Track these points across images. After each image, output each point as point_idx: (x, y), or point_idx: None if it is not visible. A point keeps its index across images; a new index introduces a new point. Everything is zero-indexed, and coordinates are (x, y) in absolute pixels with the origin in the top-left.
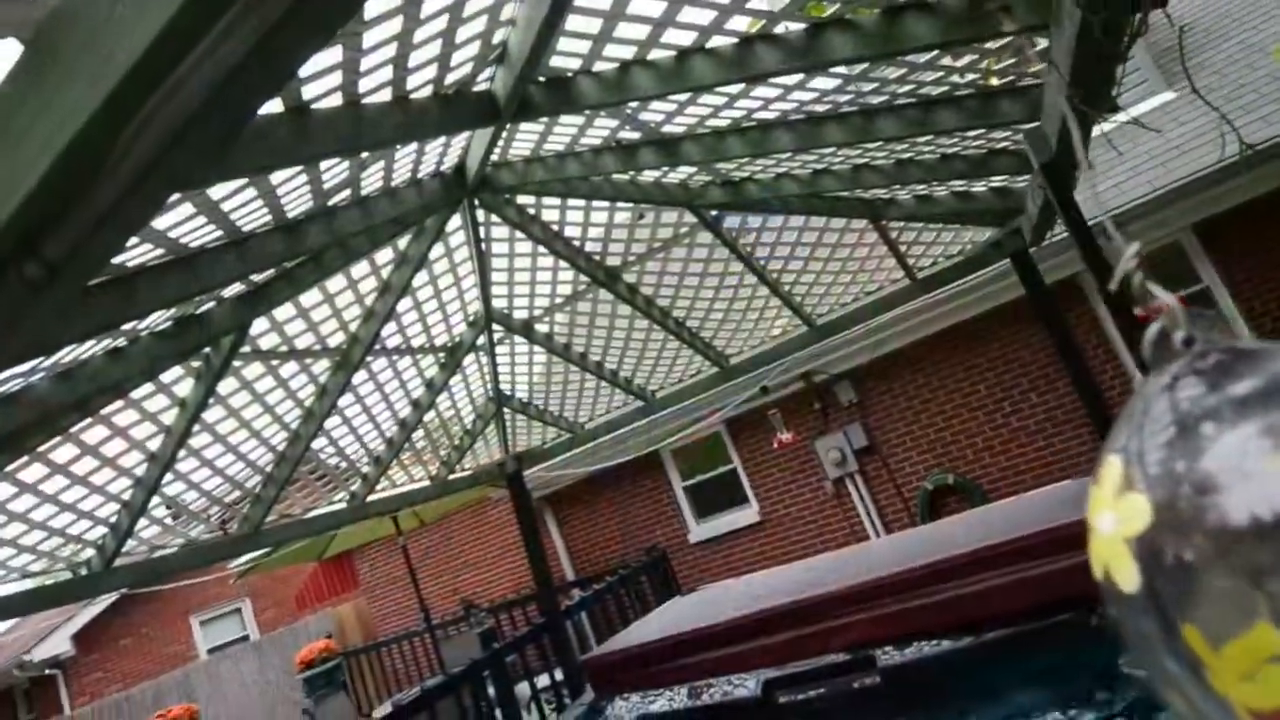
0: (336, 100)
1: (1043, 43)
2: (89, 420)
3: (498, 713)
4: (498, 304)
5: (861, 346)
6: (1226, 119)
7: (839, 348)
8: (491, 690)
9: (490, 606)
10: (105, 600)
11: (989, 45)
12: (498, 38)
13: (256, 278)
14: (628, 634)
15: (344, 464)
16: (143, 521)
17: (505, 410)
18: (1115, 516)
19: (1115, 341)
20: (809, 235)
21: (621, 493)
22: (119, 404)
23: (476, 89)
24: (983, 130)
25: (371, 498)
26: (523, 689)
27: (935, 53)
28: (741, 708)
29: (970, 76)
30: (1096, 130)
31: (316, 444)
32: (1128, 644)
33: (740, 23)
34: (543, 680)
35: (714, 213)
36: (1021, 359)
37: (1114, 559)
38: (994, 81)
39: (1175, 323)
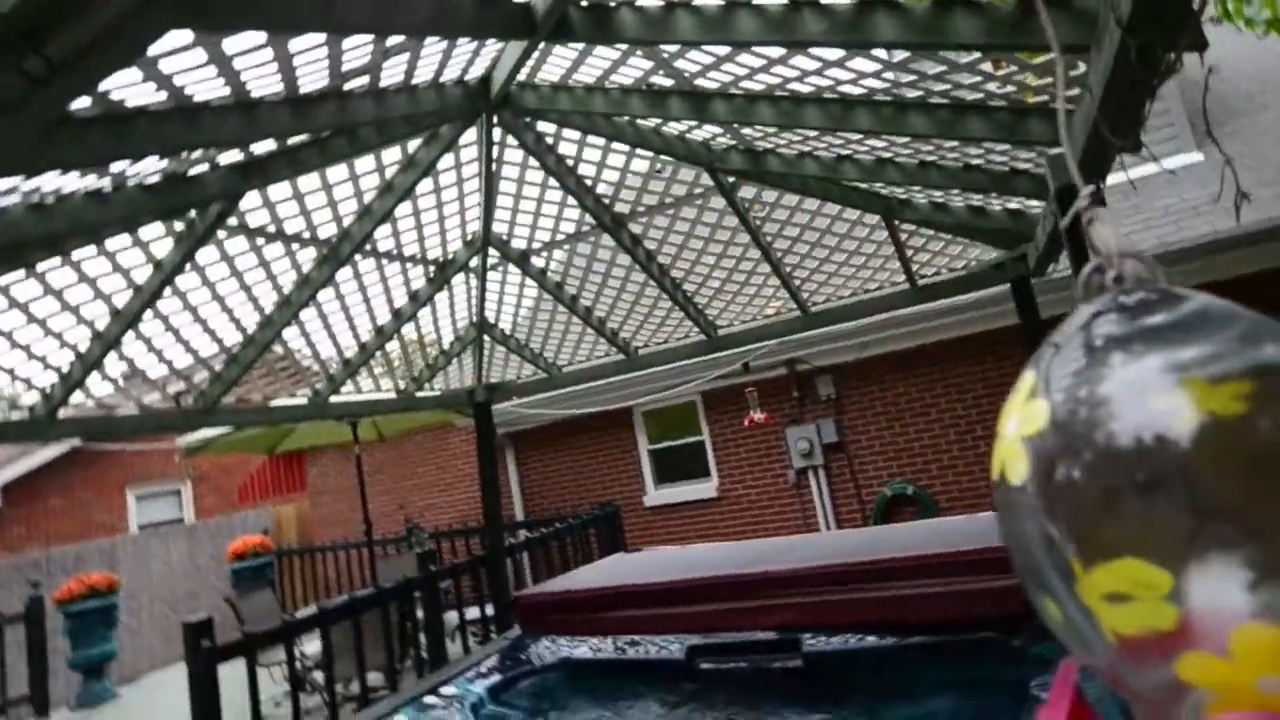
0: None
1: (1081, 67)
2: (58, 261)
3: (422, 636)
4: (497, 229)
5: (849, 344)
6: (1231, 165)
7: (826, 341)
8: (420, 613)
9: (434, 532)
10: (42, 457)
11: (1032, 60)
12: None
13: (257, 149)
14: (563, 579)
15: (312, 362)
16: (94, 377)
17: (485, 338)
18: (1018, 419)
19: None
20: (820, 221)
21: (585, 444)
22: (92, 250)
23: None
24: (1009, 146)
25: (335, 399)
26: (451, 618)
27: (976, 55)
28: (663, 667)
29: (1007, 89)
30: (1120, 176)
31: (287, 334)
32: (1008, 541)
33: None
34: (473, 613)
35: (731, 179)
36: (1004, 386)
37: (1010, 457)
38: (1029, 99)
39: (1110, 263)
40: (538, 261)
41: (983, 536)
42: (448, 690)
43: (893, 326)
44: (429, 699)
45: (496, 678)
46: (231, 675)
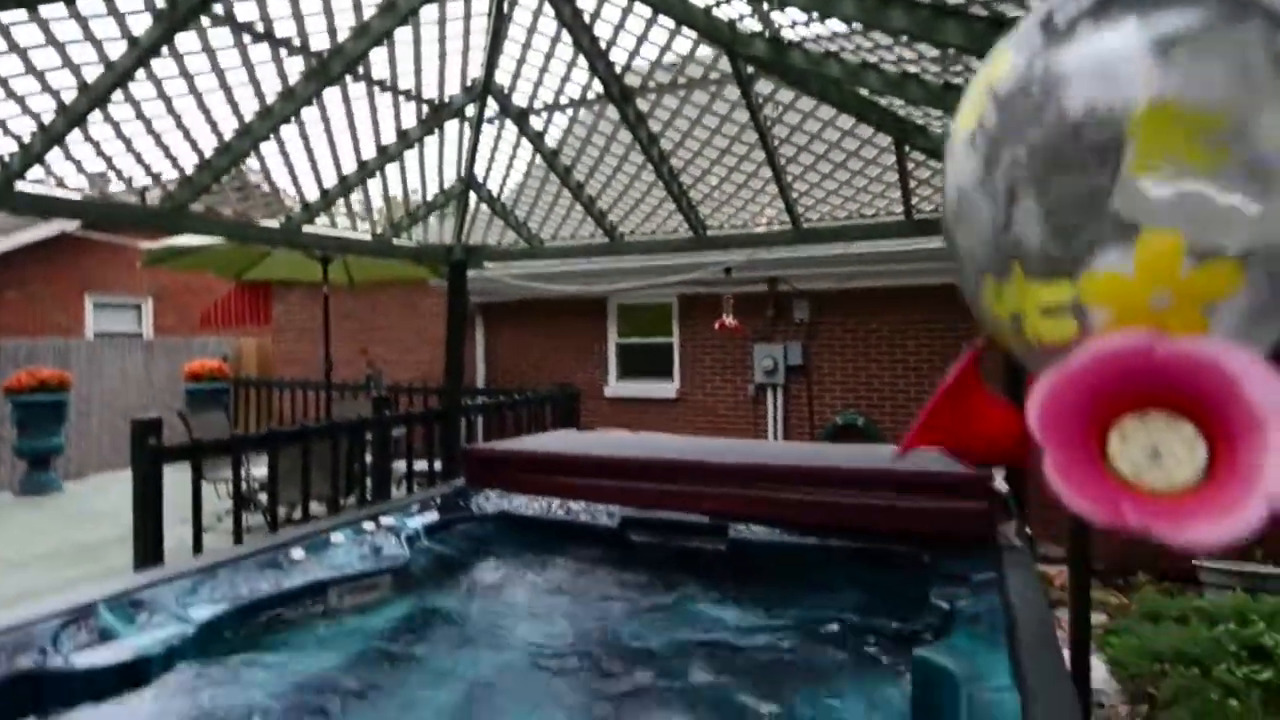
0: None
1: None
2: (26, 17)
3: (369, 480)
4: (500, 80)
5: (832, 272)
6: None
7: (811, 265)
8: (369, 456)
9: (393, 385)
10: None
11: None
12: None
13: None
14: (513, 440)
15: (289, 184)
16: (57, 155)
17: (471, 195)
18: (984, 68)
19: None
20: (830, 134)
21: (555, 327)
22: (63, 10)
23: None
24: None
25: (308, 229)
26: (399, 467)
27: None
28: (597, 534)
29: None
30: None
31: (265, 150)
32: (958, 215)
33: None
34: (421, 465)
35: (750, 69)
36: (971, 339)
37: (971, 102)
38: None
39: None
40: (536, 124)
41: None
42: (387, 520)
43: (878, 262)
44: (367, 524)
45: (435, 517)
46: (177, 486)
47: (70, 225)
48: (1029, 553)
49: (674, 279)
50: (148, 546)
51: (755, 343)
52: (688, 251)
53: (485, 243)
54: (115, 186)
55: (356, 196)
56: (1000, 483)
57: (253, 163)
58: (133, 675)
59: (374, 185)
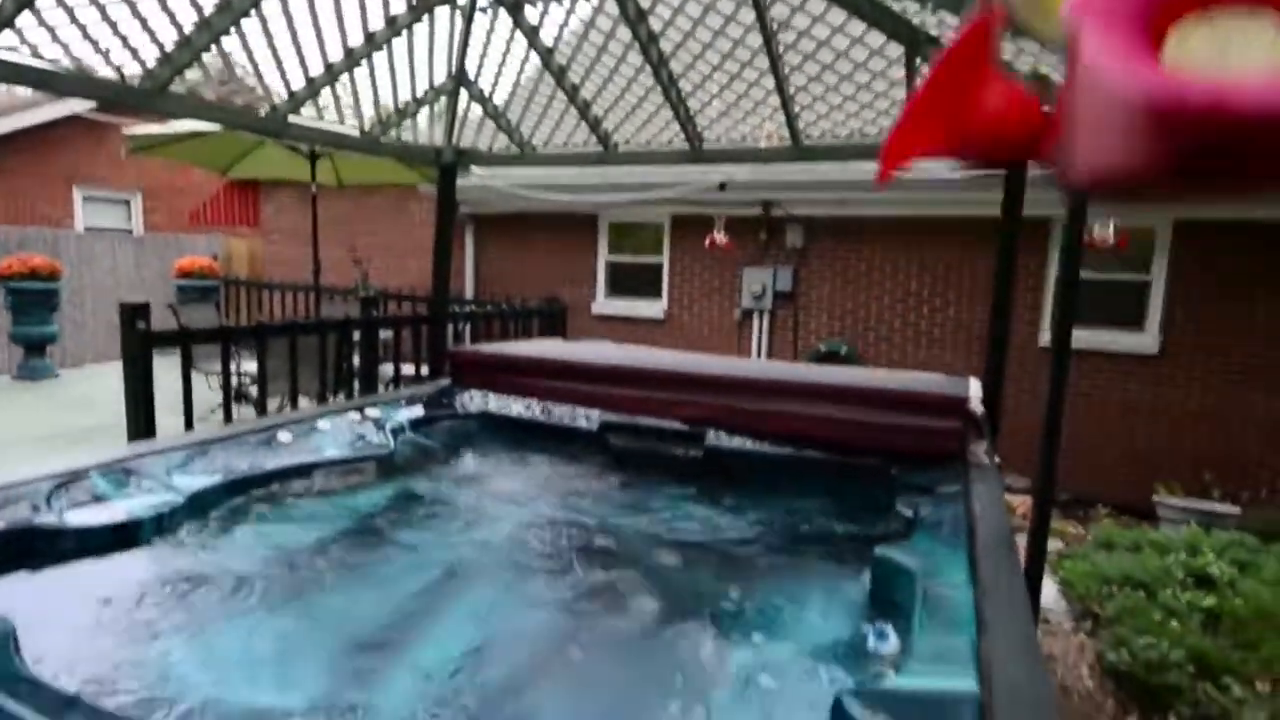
0: None
1: None
2: None
3: (356, 382)
4: None
5: (828, 198)
6: None
7: (808, 189)
8: (356, 357)
9: (381, 291)
10: None
11: None
12: None
13: None
14: (499, 344)
15: (275, 77)
16: (28, 19)
17: (462, 94)
18: None
19: (1045, 304)
20: (839, 41)
21: (546, 241)
22: None
23: None
24: None
25: (294, 119)
26: (386, 370)
27: None
28: (576, 436)
29: None
30: None
31: (249, 29)
32: None
33: None
34: (408, 370)
35: None
36: (961, 276)
37: None
38: None
39: None
40: (531, 16)
41: (888, 380)
42: (372, 412)
43: (872, 190)
44: (353, 415)
45: (420, 412)
46: (168, 381)
47: (55, 112)
48: (996, 471)
49: (667, 192)
50: (140, 428)
51: (745, 266)
52: (683, 164)
53: (476, 147)
54: (94, 60)
55: (344, 88)
56: (975, 404)
57: (238, 55)
58: (124, 536)
59: (363, 81)
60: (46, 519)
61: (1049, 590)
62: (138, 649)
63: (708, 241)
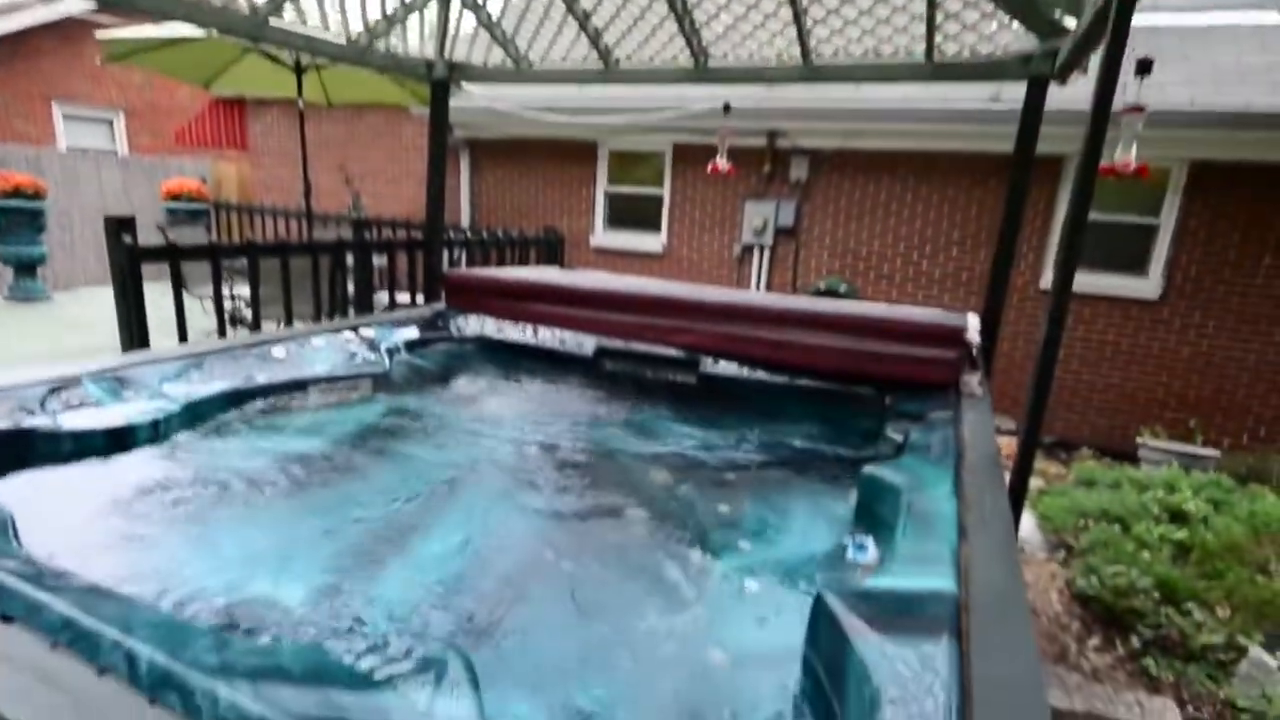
0: None
1: None
2: None
3: (351, 310)
4: None
5: (836, 129)
6: None
7: (815, 118)
8: (351, 284)
9: (374, 218)
10: None
11: None
12: None
13: None
14: (494, 269)
15: None
16: None
17: (454, 1)
18: None
19: (1049, 246)
20: None
21: (543, 170)
22: None
23: None
24: None
25: (275, 22)
26: (381, 299)
27: None
28: (572, 361)
29: None
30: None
31: None
32: None
33: None
34: (403, 298)
35: None
36: (966, 215)
37: None
38: None
39: None
40: None
41: (885, 310)
42: (367, 332)
43: (885, 120)
44: (347, 333)
45: (415, 334)
46: (162, 307)
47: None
48: (988, 401)
49: (669, 113)
50: (133, 344)
51: (747, 200)
52: (687, 85)
53: (469, 61)
54: None
55: None
56: (973, 335)
57: None
58: (120, 440)
59: None
60: (43, 422)
61: (1026, 523)
62: (136, 547)
63: (710, 168)
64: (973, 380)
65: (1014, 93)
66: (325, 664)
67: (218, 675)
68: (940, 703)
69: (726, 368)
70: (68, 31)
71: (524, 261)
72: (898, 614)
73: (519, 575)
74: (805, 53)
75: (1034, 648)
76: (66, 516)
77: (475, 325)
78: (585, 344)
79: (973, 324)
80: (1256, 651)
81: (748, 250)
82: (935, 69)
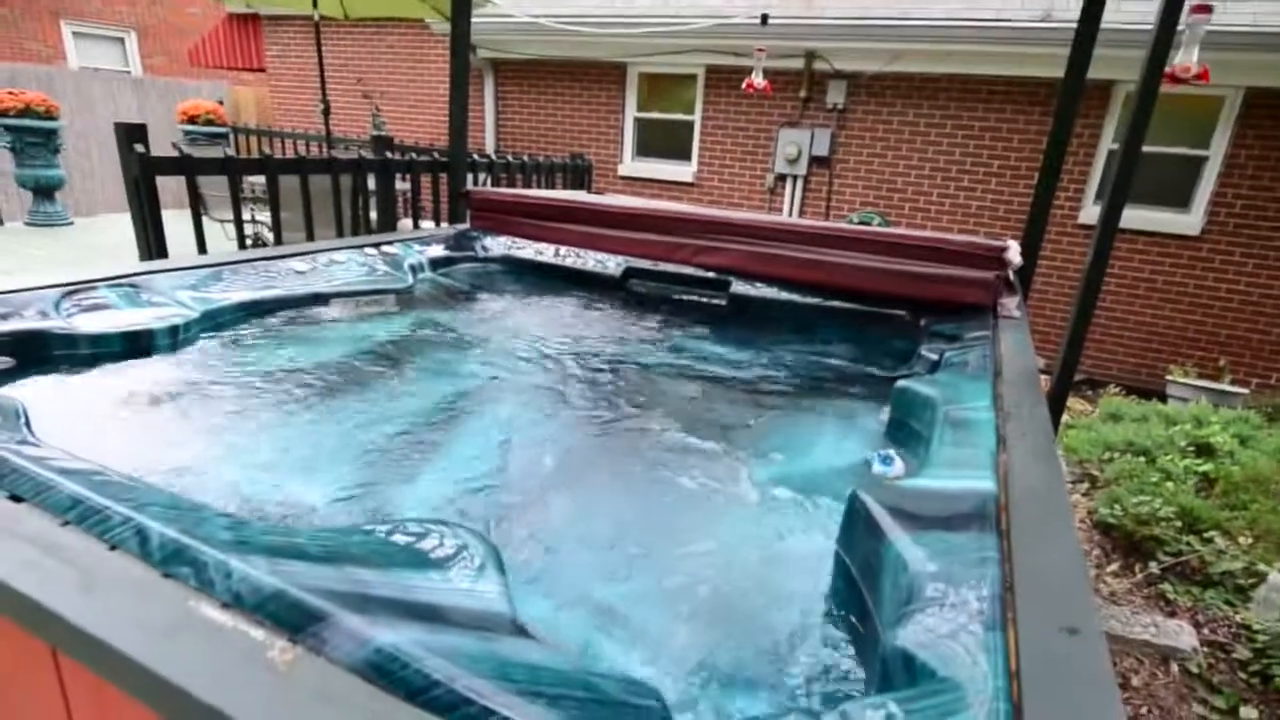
0: None
1: None
2: None
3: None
4: None
5: (878, 49)
6: None
7: (856, 38)
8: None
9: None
10: None
11: None
12: None
13: None
14: (519, 190)
15: None
16: None
17: None
18: None
19: (1091, 178)
20: None
21: (570, 93)
22: None
23: None
24: None
25: None
26: (405, 225)
27: None
28: (599, 281)
29: None
30: None
31: None
32: None
33: None
34: (428, 225)
35: None
36: (1008, 144)
37: None
38: None
39: None
40: None
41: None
42: (390, 249)
43: (929, 40)
44: (370, 250)
45: (440, 252)
46: (180, 236)
47: None
48: (1025, 322)
49: (703, 23)
50: (150, 253)
51: (781, 128)
52: None
53: None
54: None
55: None
56: (1014, 254)
57: None
58: (137, 344)
59: None
60: (61, 326)
61: None
62: (154, 446)
63: (745, 84)
64: (1010, 303)
65: (1064, 13)
66: (345, 544)
67: (231, 550)
68: (983, 590)
69: (758, 289)
70: None
71: (551, 186)
72: (935, 510)
73: (548, 478)
74: None
75: (1076, 542)
76: (83, 418)
77: (501, 245)
78: (613, 264)
79: (1013, 246)
80: (1275, 576)
81: (780, 180)
82: None
